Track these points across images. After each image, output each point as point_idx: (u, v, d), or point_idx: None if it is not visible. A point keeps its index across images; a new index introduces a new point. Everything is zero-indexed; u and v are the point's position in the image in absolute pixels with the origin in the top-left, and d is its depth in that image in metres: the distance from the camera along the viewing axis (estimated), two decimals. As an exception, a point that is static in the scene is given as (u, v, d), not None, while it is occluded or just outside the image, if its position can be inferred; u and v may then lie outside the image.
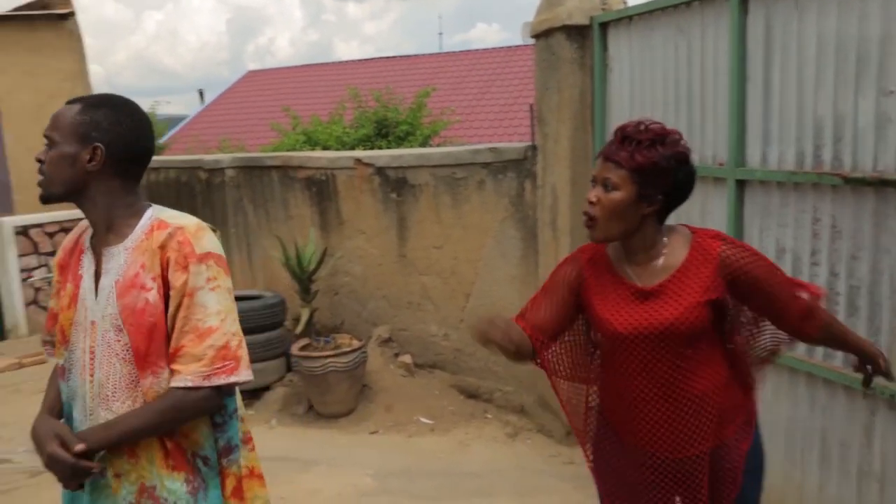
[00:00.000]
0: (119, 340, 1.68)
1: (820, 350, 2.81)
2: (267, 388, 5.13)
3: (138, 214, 1.75)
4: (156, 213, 1.76)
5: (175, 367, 1.66)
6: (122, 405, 1.69)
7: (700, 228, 1.96)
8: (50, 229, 7.05)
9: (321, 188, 5.61)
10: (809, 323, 1.92)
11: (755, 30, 2.99)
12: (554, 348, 2.04)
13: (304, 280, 5.24)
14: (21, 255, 7.04)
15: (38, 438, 1.69)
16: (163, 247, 1.68)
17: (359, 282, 5.50)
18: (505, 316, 1.93)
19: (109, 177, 1.71)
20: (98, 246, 1.76)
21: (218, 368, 1.65)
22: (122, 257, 1.71)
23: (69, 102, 1.76)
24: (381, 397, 4.91)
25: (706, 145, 3.32)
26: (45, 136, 1.73)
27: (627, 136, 1.83)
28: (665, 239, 1.91)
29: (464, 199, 4.80)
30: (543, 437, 4.41)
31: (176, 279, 1.66)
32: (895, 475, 2.59)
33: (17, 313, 7.07)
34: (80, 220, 1.85)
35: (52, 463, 1.63)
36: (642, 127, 1.85)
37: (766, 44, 2.95)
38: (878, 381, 2.55)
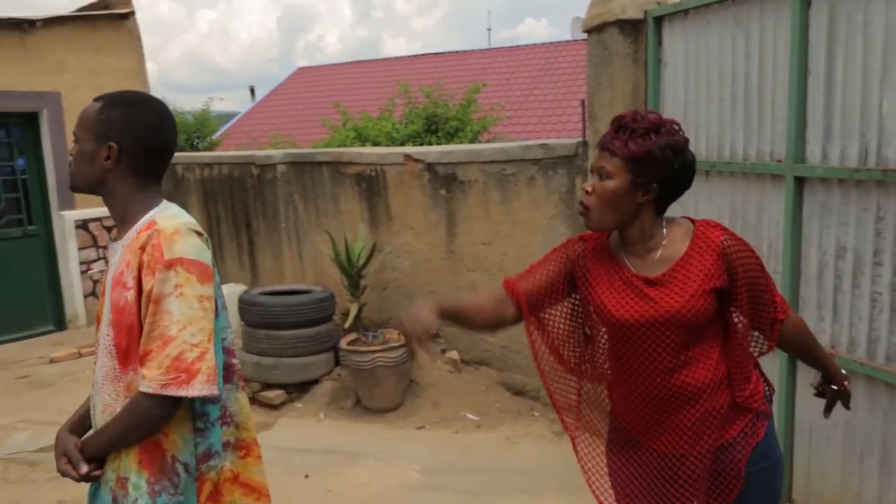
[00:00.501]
0: (108, 335, 1.75)
1: (881, 353, 2.73)
2: (315, 382, 5.18)
3: (145, 211, 1.77)
4: (157, 211, 1.78)
5: (142, 370, 1.64)
6: (108, 396, 1.76)
7: (701, 219, 1.93)
8: (108, 223, 7.26)
9: (371, 184, 5.65)
10: (775, 333, 1.92)
11: (818, 22, 2.92)
12: (543, 323, 2.05)
13: (353, 275, 5.29)
14: (81, 248, 7.26)
15: (55, 451, 1.82)
16: (143, 248, 1.67)
17: (407, 277, 5.52)
18: (425, 302, 1.93)
19: (126, 173, 1.76)
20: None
21: (172, 379, 1.61)
22: (119, 254, 1.75)
23: (94, 100, 1.79)
24: (428, 393, 4.92)
25: (763, 141, 3.25)
26: (73, 133, 1.79)
27: (623, 126, 1.84)
28: (664, 230, 1.90)
29: (513, 196, 4.77)
30: (590, 437, 4.36)
31: (146, 283, 1.65)
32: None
33: (77, 304, 7.29)
34: None
35: (63, 475, 1.77)
36: (638, 116, 1.85)
37: (829, 37, 2.87)
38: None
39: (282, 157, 6.36)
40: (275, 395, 5.05)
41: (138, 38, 7.69)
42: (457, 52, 20.12)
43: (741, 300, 1.86)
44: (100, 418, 1.77)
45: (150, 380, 1.61)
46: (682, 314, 1.82)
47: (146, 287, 1.64)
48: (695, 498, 1.91)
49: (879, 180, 2.67)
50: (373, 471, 4.07)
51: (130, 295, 1.67)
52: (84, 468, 1.71)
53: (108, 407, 1.74)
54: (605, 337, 1.98)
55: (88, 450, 1.75)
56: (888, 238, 2.67)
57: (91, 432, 1.83)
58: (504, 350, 5.03)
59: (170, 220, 1.73)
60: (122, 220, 1.79)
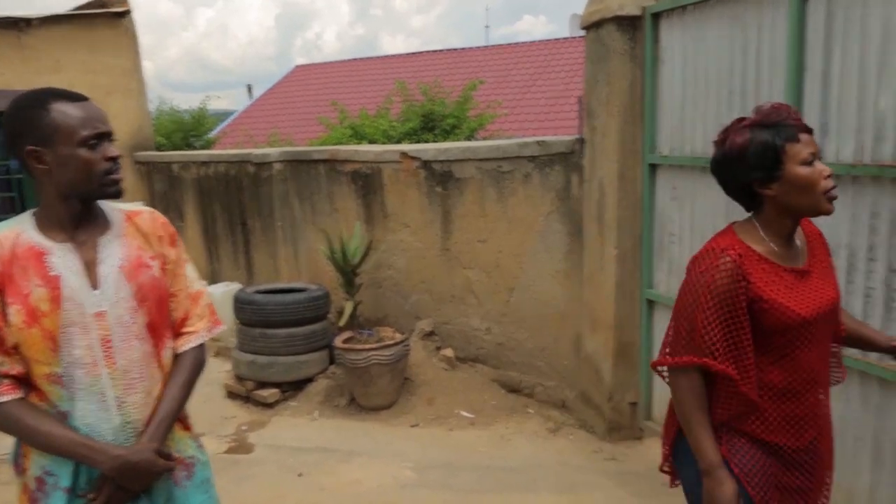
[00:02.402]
0: (135, 322, 1.76)
1: None
2: (310, 380, 5.16)
3: (95, 207, 1.81)
4: (105, 205, 1.84)
5: (188, 329, 1.90)
6: (149, 382, 1.78)
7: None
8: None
9: (367, 182, 5.63)
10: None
11: (815, 18, 2.90)
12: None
13: (349, 273, 5.27)
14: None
15: (138, 470, 1.73)
16: (150, 228, 1.85)
17: (402, 275, 5.50)
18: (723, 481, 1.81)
19: None
20: (85, 238, 1.75)
21: (213, 322, 1.97)
22: (116, 244, 1.78)
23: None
24: (422, 390, 4.90)
25: (760, 138, 3.23)
26: (111, 134, 1.74)
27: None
28: None
29: (509, 193, 4.76)
30: (585, 433, 4.36)
31: (170, 253, 1.87)
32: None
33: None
34: None
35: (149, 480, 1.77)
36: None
37: (826, 33, 2.86)
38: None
39: (278, 155, 6.33)
40: (269, 393, 5.03)
41: (134, 37, 7.66)
42: (455, 49, 20.11)
43: None
44: (142, 406, 1.77)
45: (203, 330, 1.93)
46: (838, 300, 1.90)
47: (171, 256, 1.87)
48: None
49: (875, 176, 2.66)
50: (366, 468, 4.05)
51: (156, 271, 1.81)
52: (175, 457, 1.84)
53: (150, 392, 1.80)
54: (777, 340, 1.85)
55: (161, 433, 1.79)
56: (882, 234, 2.66)
57: (152, 422, 1.79)
58: (499, 348, 5.01)
59: (137, 205, 1.96)
60: (95, 217, 1.78)
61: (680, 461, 1.99)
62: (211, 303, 1.98)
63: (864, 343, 2.06)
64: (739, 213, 3.34)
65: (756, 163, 1.80)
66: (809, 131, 1.81)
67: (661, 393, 4.05)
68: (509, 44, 19.72)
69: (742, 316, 1.79)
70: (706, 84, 3.55)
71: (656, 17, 3.84)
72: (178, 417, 1.86)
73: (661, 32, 3.84)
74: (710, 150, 3.48)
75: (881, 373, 2.68)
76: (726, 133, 1.88)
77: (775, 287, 1.80)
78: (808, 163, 1.77)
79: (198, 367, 1.91)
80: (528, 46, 18.92)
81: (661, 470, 2.13)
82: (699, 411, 1.85)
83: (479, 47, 20.14)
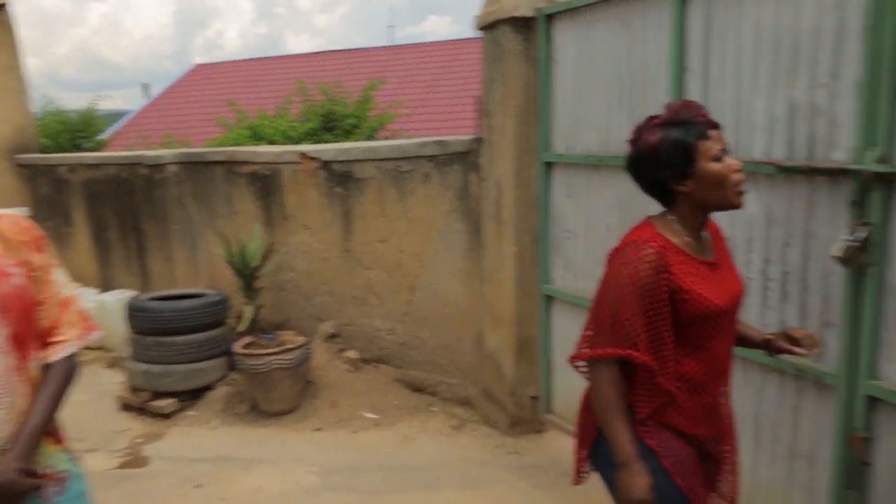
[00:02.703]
0: None
1: None
2: (209, 388, 5.01)
3: None
4: None
5: (58, 338, 1.80)
6: (11, 398, 1.68)
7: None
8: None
9: (266, 183, 5.51)
10: None
11: (695, 20, 3.03)
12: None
13: (248, 276, 5.15)
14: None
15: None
16: (12, 234, 1.76)
17: (304, 277, 5.42)
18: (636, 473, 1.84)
19: None
20: None
21: (85, 329, 1.86)
22: None
23: None
24: (325, 393, 4.84)
25: (646, 136, 3.34)
26: None
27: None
28: None
29: (409, 193, 4.76)
30: (488, 429, 4.40)
31: (35, 259, 1.78)
32: (822, 453, 2.65)
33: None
34: None
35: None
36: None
37: (705, 35, 2.99)
38: (806, 362, 2.63)
39: (172, 156, 6.12)
40: (166, 403, 4.84)
41: (11, 31, 7.23)
42: (358, 49, 20.00)
43: None
44: (4, 423, 1.67)
45: (75, 338, 1.82)
46: (743, 291, 2.00)
47: (37, 262, 1.77)
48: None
49: (751, 172, 2.79)
50: (268, 475, 3.96)
51: (18, 278, 1.72)
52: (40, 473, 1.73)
53: (14, 408, 1.69)
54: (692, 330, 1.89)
55: (27, 450, 1.68)
56: (758, 227, 2.80)
57: (17, 439, 1.68)
58: (402, 347, 5.00)
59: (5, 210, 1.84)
60: None
61: (605, 461, 1.97)
62: (83, 309, 1.88)
63: (742, 340, 2.13)
64: (630, 209, 3.46)
65: (669, 161, 1.84)
66: (718, 127, 1.86)
67: (561, 386, 4.14)
68: (413, 44, 19.77)
69: (664, 307, 1.82)
70: (597, 84, 3.65)
71: (550, 18, 3.92)
72: (49, 431, 1.77)
73: (555, 33, 3.92)
74: (602, 148, 3.61)
75: (760, 358, 2.82)
76: (640, 132, 1.91)
77: (693, 278, 1.85)
78: (719, 159, 1.82)
79: (68, 377, 1.81)
80: (432, 46, 19.02)
81: (577, 472, 2.11)
82: (618, 404, 1.88)
83: (382, 47, 20.09)
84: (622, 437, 1.86)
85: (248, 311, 5.14)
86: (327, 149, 5.25)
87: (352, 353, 5.15)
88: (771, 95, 2.71)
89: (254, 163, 5.56)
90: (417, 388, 4.93)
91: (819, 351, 2.02)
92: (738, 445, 2.15)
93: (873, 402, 2.46)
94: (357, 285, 5.16)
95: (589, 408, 2.03)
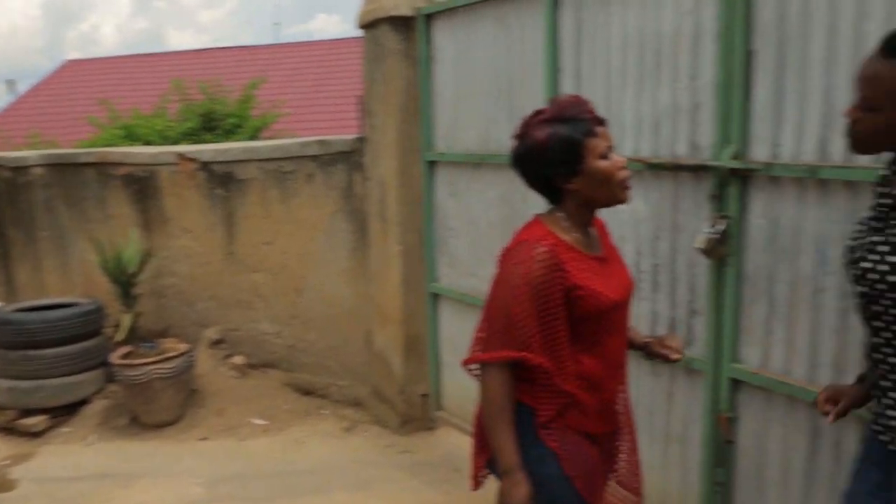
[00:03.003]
0: None
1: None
2: (85, 402, 4.75)
3: None
4: None
5: None
6: None
7: None
8: None
9: (142, 186, 5.28)
10: None
11: (566, 22, 3.12)
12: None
13: (125, 283, 4.92)
14: None
15: None
16: None
17: (186, 282, 5.23)
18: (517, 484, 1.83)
19: None
20: None
21: None
22: None
23: None
24: (211, 401, 4.69)
25: (524, 135, 3.42)
26: None
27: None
28: None
29: (293, 193, 4.68)
30: (379, 429, 4.39)
31: None
32: (693, 435, 2.79)
33: None
34: None
35: None
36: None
37: (576, 36, 3.08)
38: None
39: (38, 158, 5.75)
40: (36, 421, 4.55)
41: None
42: (244, 46, 19.48)
43: None
44: None
45: None
46: (633, 285, 2.02)
47: None
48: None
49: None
50: (150, 491, 3.80)
51: None
52: None
53: None
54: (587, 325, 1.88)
55: None
56: (629, 222, 2.92)
57: None
58: (290, 350, 4.92)
59: None
60: None
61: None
62: None
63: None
64: (511, 205, 3.54)
65: (557, 159, 1.82)
66: (604, 123, 1.86)
67: (451, 383, 4.18)
68: (300, 42, 19.45)
69: (558, 306, 1.80)
70: (476, 83, 3.70)
71: (429, 17, 3.94)
72: None
73: (434, 33, 3.95)
74: (482, 147, 3.66)
75: None
76: (526, 127, 1.88)
77: (587, 274, 1.84)
78: (606, 156, 1.83)
79: None
80: (320, 45, 18.78)
81: (476, 477, 2.07)
82: (507, 410, 1.84)
83: (269, 45, 19.66)
84: (507, 445, 1.83)
85: (126, 320, 4.91)
86: (207, 149, 5.09)
87: (238, 359, 5.02)
88: (638, 95, 2.83)
89: (128, 164, 5.31)
90: (307, 392, 4.86)
91: (680, 357, 2.09)
92: (637, 438, 2.18)
93: (736, 384, 2.62)
94: (242, 289, 5.03)
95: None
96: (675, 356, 2.07)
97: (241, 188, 4.87)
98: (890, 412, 1.65)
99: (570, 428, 1.90)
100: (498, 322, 1.83)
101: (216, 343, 5.09)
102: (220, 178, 4.94)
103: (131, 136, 9.28)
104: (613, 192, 1.86)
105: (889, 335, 1.61)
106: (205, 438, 4.42)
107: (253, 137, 9.47)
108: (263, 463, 4.08)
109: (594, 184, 1.83)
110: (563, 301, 1.81)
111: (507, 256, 1.87)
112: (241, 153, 4.88)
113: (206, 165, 4.98)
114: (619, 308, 1.93)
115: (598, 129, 1.83)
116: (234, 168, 4.89)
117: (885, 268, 1.55)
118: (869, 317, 1.66)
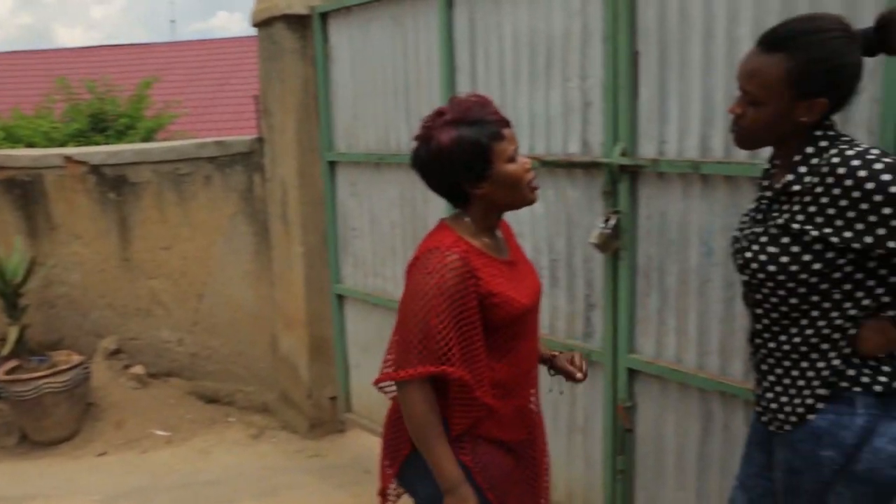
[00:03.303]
0: None
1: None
2: (-30, 421, 4.48)
3: None
4: None
5: None
6: None
7: None
8: None
9: (26, 190, 5.00)
10: None
11: (461, 22, 3.13)
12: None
13: (10, 294, 4.65)
14: None
15: None
16: None
17: (78, 291, 5.00)
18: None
19: None
20: None
21: None
22: None
23: None
24: (109, 414, 4.51)
25: (424, 134, 3.42)
26: None
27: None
28: None
29: (190, 196, 4.54)
30: (288, 434, 4.32)
31: None
32: (594, 425, 2.87)
33: None
34: None
35: None
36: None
37: (470, 36, 3.10)
38: (578, 343, 2.82)
39: None
40: (-86, 444, 4.27)
41: None
42: (138, 44, 18.75)
43: None
44: None
45: None
46: (541, 288, 1.98)
47: None
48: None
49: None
50: (43, 511, 3.63)
51: None
52: None
53: None
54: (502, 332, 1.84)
55: None
56: (527, 219, 2.97)
57: None
58: (193, 358, 4.78)
59: None
60: None
61: (415, 478, 1.89)
62: None
63: None
64: (413, 205, 3.54)
65: (464, 164, 1.75)
66: (509, 125, 1.80)
67: (359, 385, 4.14)
68: (200, 40, 18.88)
69: (474, 316, 1.74)
70: (374, 82, 3.68)
71: (324, 16, 3.89)
72: None
73: (331, 31, 3.90)
74: (381, 147, 3.65)
75: (561, 349, 2.92)
76: (428, 130, 1.79)
77: (499, 280, 1.79)
78: (513, 159, 1.78)
79: None
80: (220, 43, 18.27)
81: (383, 494, 2.00)
82: (436, 425, 1.75)
83: (166, 43, 19.00)
84: (446, 463, 1.74)
85: (13, 333, 4.64)
86: (96, 151, 4.88)
87: (138, 369, 4.84)
88: (531, 94, 2.87)
89: (9, 168, 5.02)
90: (212, 400, 4.73)
91: (583, 378, 2.08)
92: (547, 444, 2.17)
93: (633, 373, 2.70)
94: (140, 296, 4.85)
95: (396, 424, 1.91)
96: (579, 376, 2.05)
97: (135, 192, 4.69)
98: (768, 394, 1.74)
99: (483, 438, 1.84)
100: (413, 336, 1.72)
101: (114, 353, 4.89)
102: (113, 182, 4.74)
103: (12, 138, 8.77)
104: (523, 194, 1.81)
105: (768, 321, 1.70)
106: (103, 453, 4.25)
107: (147, 139, 9.11)
108: (166, 475, 3.95)
109: (503, 188, 1.78)
110: (479, 309, 1.75)
111: (416, 266, 1.78)
112: (134, 155, 4.70)
113: (96, 169, 4.77)
114: (531, 312, 1.90)
115: (505, 132, 1.77)
116: (126, 171, 4.70)
117: (764, 258, 1.62)
118: (751, 304, 1.74)
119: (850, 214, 1.48)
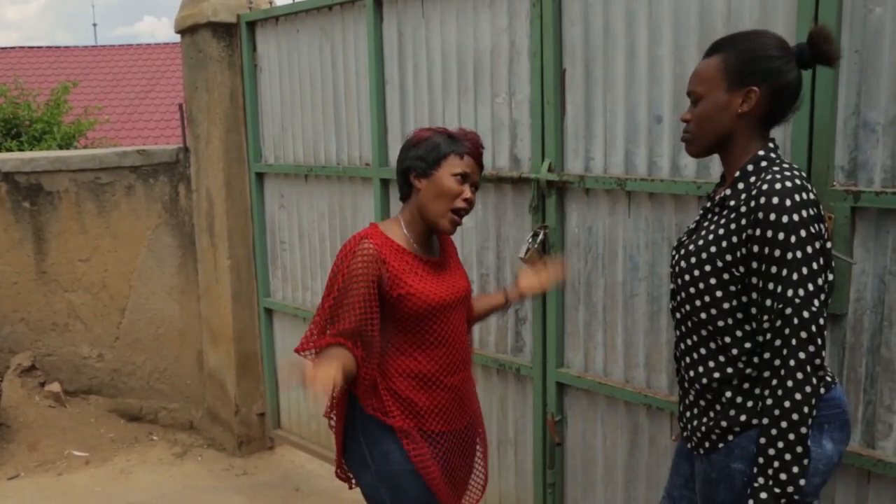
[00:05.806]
0: None
1: (490, 341, 2.99)
2: None
3: None
4: None
5: None
6: None
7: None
8: None
9: (-67, 199, 4.74)
10: None
11: (390, 35, 3.12)
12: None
13: (-86, 309, 4.40)
14: None
15: None
16: None
17: (-10, 306, 4.76)
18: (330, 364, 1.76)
19: None
20: None
21: None
22: None
23: None
24: (22, 435, 4.29)
25: (353, 146, 3.40)
26: None
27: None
28: None
29: (112, 206, 4.38)
30: (214, 452, 4.21)
31: None
32: (525, 438, 2.88)
33: None
34: None
35: None
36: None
37: (399, 49, 3.09)
38: (508, 357, 2.83)
39: None
40: None
41: None
42: (58, 47, 18.05)
43: None
44: None
45: None
46: (469, 291, 2.12)
47: None
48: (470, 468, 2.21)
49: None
50: (-51, 541, 3.42)
51: None
52: None
53: None
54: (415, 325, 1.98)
55: None
56: (458, 233, 2.96)
57: None
58: (114, 374, 4.60)
59: None
60: None
61: (354, 465, 2.07)
62: None
63: (491, 309, 2.29)
64: (342, 217, 3.50)
65: (419, 154, 1.96)
66: (479, 161, 2.00)
67: (289, 400, 4.06)
68: (125, 45, 18.30)
69: (373, 299, 1.90)
70: (302, 94, 3.63)
71: (252, 25, 3.82)
72: None
73: (258, 41, 3.84)
74: (310, 159, 3.60)
75: (491, 363, 2.95)
76: (420, 131, 2.06)
77: (413, 275, 1.95)
78: (458, 180, 1.94)
79: None
80: (146, 49, 17.76)
81: (338, 476, 2.20)
82: (338, 354, 1.87)
83: (87, 47, 18.34)
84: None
85: (-83, 351, 4.39)
86: (8, 158, 4.65)
87: (54, 387, 4.62)
88: (462, 109, 2.88)
89: (-84, 177, 4.75)
90: (135, 418, 4.57)
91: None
92: (485, 430, 2.29)
93: (562, 387, 2.72)
94: (57, 310, 4.64)
95: (339, 416, 2.09)
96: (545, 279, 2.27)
97: (52, 201, 4.50)
98: (687, 412, 1.77)
99: (419, 430, 2.00)
100: (325, 310, 1.94)
101: (28, 370, 4.66)
102: (27, 191, 4.53)
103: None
104: (443, 213, 1.95)
105: (683, 329, 1.72)
106: (15, 476, 4.04)
107: (66, 146, 8.75)
108: (85, 498, 3.79)
109: (433, 193, 1.94)
110: (378, 296, 1.91)
111: (339, 252, 1.98)
112: (50, 163, 4.50)
113: (8, 176, 4.55)
114: (450, 308, 2.01)
115: (467, 158, 1.97)
116: (41, 179, 4.50)
117: (684, 264, 1.65)
118: (672, 310, 1.77)
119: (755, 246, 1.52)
